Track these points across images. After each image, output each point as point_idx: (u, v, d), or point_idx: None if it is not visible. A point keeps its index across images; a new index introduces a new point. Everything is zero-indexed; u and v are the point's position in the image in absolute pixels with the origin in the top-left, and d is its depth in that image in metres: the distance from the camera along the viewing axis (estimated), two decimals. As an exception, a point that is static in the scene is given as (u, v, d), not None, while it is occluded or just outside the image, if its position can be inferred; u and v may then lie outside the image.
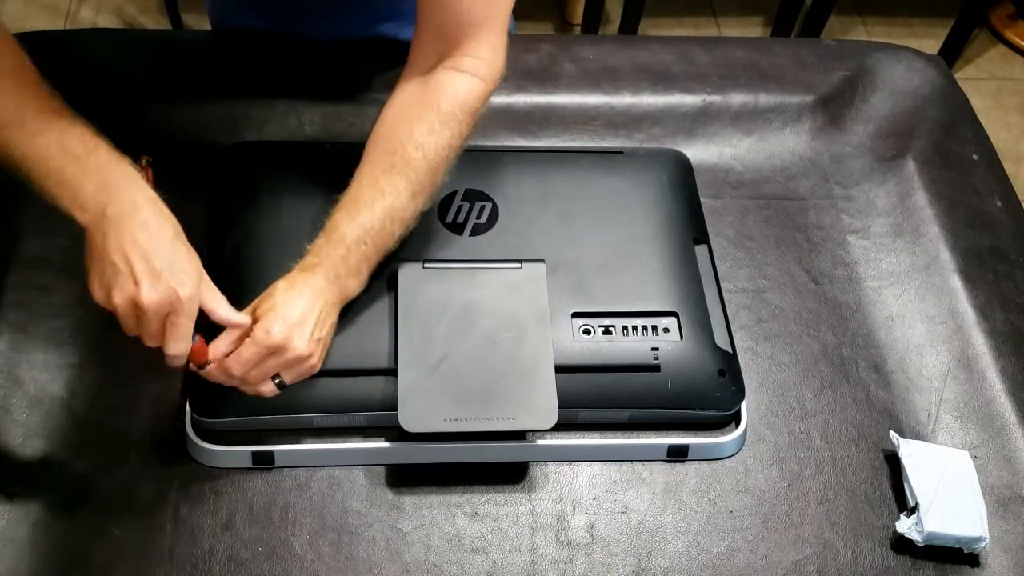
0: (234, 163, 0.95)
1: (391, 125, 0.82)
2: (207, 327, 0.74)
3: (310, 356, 0.75)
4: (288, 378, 0.76)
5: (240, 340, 0.75)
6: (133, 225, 0.70)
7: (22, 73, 0.73)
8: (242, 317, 0.75)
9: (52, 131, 0.71)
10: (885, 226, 1.03)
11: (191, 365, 0.75)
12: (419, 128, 0.81)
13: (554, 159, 0.99)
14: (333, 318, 0.78)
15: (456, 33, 0.82)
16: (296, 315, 0.74)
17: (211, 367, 0.75)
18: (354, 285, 0.80)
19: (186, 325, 0.71)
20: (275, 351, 0.74)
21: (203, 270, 0.73)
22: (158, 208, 0.72)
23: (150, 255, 0.69)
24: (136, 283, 0.68)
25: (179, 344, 0.72)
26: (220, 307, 0.74)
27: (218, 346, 0.75)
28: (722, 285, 0.93)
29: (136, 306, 0.69)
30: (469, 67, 0.82)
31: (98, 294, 0.70)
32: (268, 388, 0.76)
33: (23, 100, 0.72)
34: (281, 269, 0.78)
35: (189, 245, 0.73)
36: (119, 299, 0.69)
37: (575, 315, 0.85)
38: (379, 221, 0.79)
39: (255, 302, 0.77)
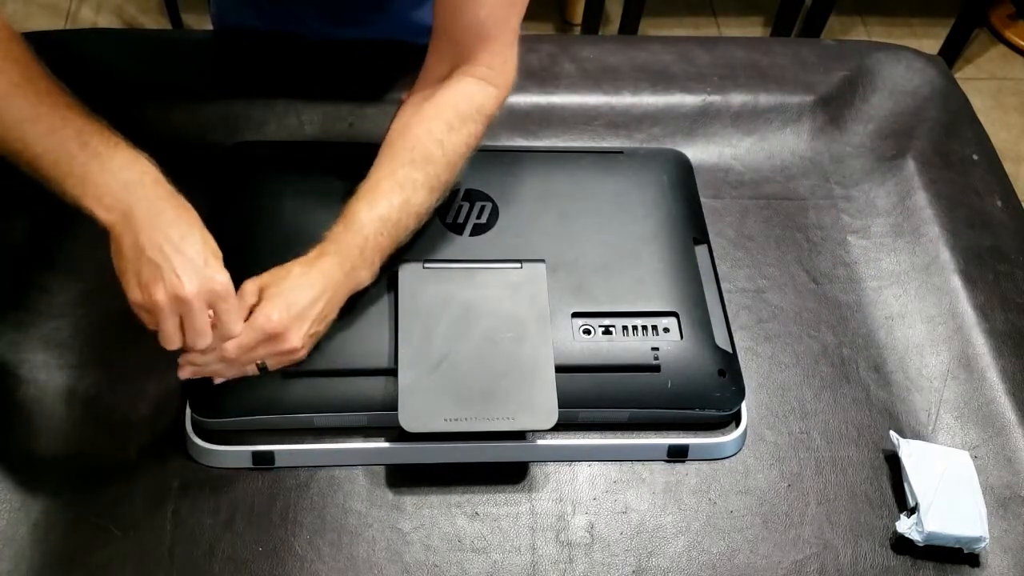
0: (234, 163, 0.95)
1: (410, 122, 0.84)
2: None
3: (301, 349, 0.76)
4: (272, 365, 0.77)
5: (245, 314, 0.75)
6: (162, 222, 0.70)
7: (32, 67, 0.73)
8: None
9: (70, 128, 0.71)
10: (885, 226, 1.03)
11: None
12: (439, 125, 0.83)
13: (554, 159, 0.99)
14: (335, 313, 0.79)
15: (472, 45, 0.84)
16: (299, 306, 0.75)
17: (199, 355, 0.74)
18: (366, 276, 0.80)
19: (233, 309, 0.72)
20: (270, 338, 0.74)
21: None
22: (181, 202, 0.73)
23: (184, 249, 0.70)
24: (178, 277, 0.69)
25: (236, 325, 0.73)
26: None
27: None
28: (722, 285, 0.93)
29: (179, 300, 0.69)
30: (484, 75, 0.85)
31: (136, 294, 0.70)
32: (251, 370, 0.77)
33: (37, 94, 0.72)
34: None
35: (210, 234, 0.73)
36: (161, 295, 0.69)
37: (575, 315, 0.85)
38: (397, 213, 0.80)
39: (266, 277, 0.77)
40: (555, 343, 0.82)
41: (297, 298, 0.75)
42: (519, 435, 0.83)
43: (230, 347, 0.74)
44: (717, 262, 0.95)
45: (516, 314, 0.83)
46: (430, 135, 0.82)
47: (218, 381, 0.78)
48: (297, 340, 0.75)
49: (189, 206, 0.73)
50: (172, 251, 0.69)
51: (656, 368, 0.84)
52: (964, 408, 0.90)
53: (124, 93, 1.01)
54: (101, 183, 0.70)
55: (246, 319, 0.75)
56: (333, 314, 0.79)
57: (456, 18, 0.83)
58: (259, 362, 0.76)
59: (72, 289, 0.90)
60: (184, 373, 0.76)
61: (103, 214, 0.70)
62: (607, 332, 0.85)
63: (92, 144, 0.71)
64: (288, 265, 0.77)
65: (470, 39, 0.84)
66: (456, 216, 0.91)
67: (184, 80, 1.06)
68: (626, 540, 0.80)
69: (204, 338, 0.72)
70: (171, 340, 0.71)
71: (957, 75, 2.33)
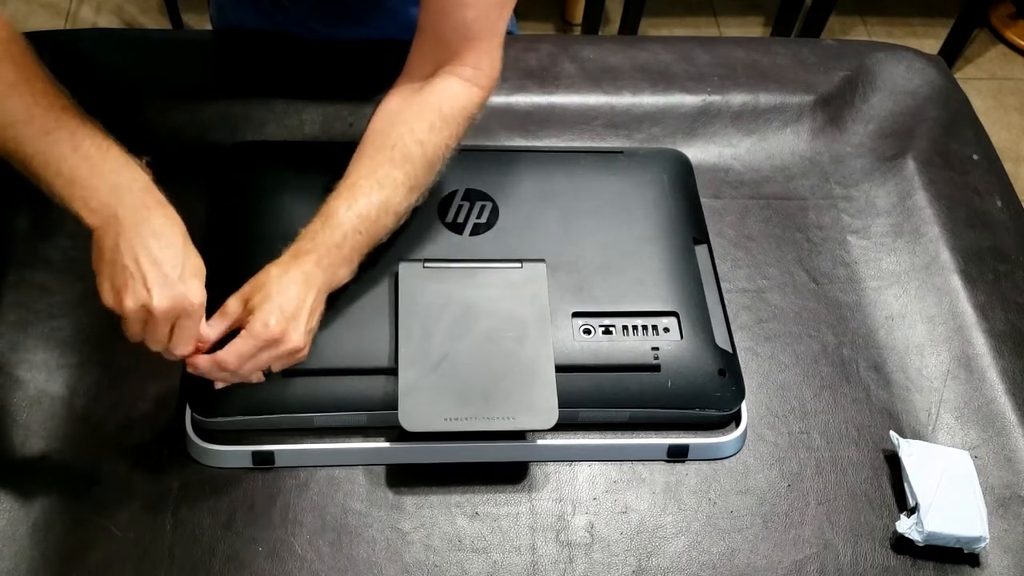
0: (234, 163, 0.95)
1: (390, 120, 0.83)
2: None
3: (303, 347, 0.75)
4: (277, 367, 0.76)
5: (229, 326, 0.75)
6: (144, 230, 0.70)
7: (30, 67, 0.73)
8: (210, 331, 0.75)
9: (63, 130, 0.71)
10: (885, 226, 1.03)
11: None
12: (420, 125, 0.82)
13: (554, 159, 0.99)
14: (322, 307, 0.78)
15: (457, 44, 0.83)
16: (291, 306, 0.74)
17: (200, 359, 0.74)
18: (344, 274, 0.79)
19: (193, 328, 0.72)
20: (271, 344, 0.73)
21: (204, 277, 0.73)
22: (168, 212, 0.72)
23: (161, 261, 0.69)
24: (148, 289, 0.68)
25: (186, 345, 0.72)
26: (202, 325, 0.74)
27: (207, 332, 0.74)
28: (722, 285, 0.93)
29: (146, 311, 0.69)
30: (469, 76, 0.84)
31: (108, 298, 0.70)
32: (256, 377, 0.76)
33: (33, 95, 0.72)
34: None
35: (195, 249, 0.73)
36: (130, 304, 0.69)
37: (575, 315, 0.85)
38: (376, 211, 0.79)
39: (247, 289, 0.76)
40: (555, 343, 0.82)
41: (287, 299, 0.74)
42: (519, 435, 0.83)
43: (229, 358, 0.73)
44: (717, 262, 0.95)
45: (516, 314, 0.83)
46: (412, 135, 0.81)
47: (219, 386, 0.77)
48: (299, 339, 0.74)
49: (176, 217, 0.73)
50: (148, 262, 0.69)
51: (656, 368, 0.84)
52: (964, 408, 0.90)
53: (124, 93, 1.01)
54: (89, 186, 0.70)
55: (236, 332, 0.74)
56: (321, 308, 0.78)
57: (443, 18, 0.83)
58: (264, 369, 0.76)
59: (72, 289, 0.90)
60: (191, 369, 0.75)
61: (88, 216, 0.70)
62: (607, 332, 0.85)
63: (83, 147, 0.71)
64: (265, 269, 0.76)
65: (456, 39, 0.83)
66: (456, 216, 0.91)
67: (184, 80, 1.06)
68: (626, 540, 0.80)
69: (159, 346, 0.72)
70: (133, 335, 0.71)
71: (957, 75, 2.33)
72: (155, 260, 0.69)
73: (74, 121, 0.72)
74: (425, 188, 0.84)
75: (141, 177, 0.73)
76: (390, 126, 0.83)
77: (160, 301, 0.69)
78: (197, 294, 0.71)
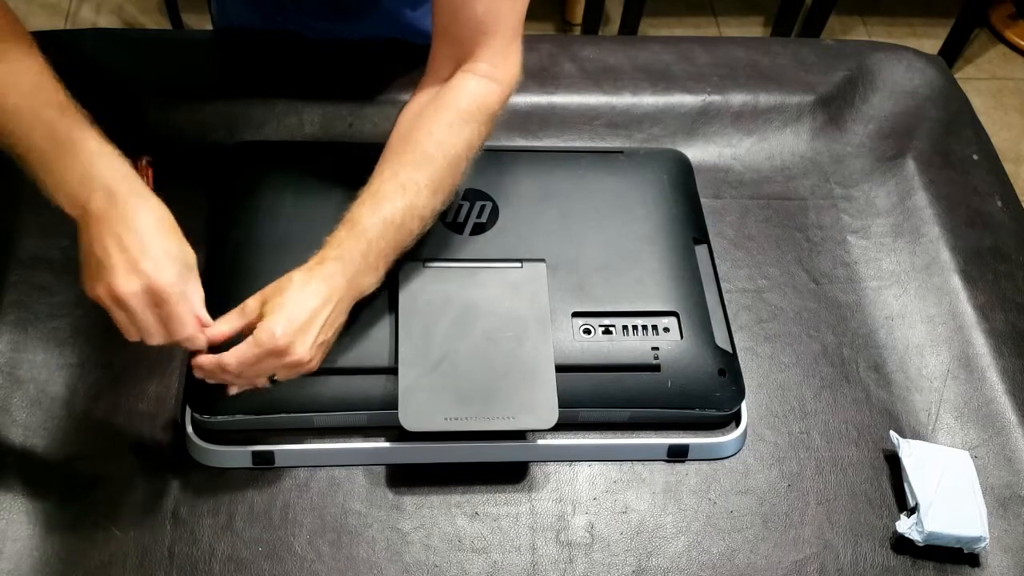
0: (234, 163, 0.95)
1: (411, 124, 0.83)
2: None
3: (310, 360, 0.74)
4: (282, 377, 0.76)
5: (245, 324, 0.74)
6: (113, 218, 0.69)
7: (23, 62, 0.73)
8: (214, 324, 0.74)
9: (44, 125, 0.72)
10: (885, 226, 1.03)
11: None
12: (439, 126, 0.81)
13: (554, 159, 0.99)
14: (342, 319, 0.77)
15: (471, 41, 0.83)
16: (304, 317, 0.73)
17: (205, 359, 0.73)
18: (370, 282, 0.78)
19: (181, 312, 0.70)
20: (275, 353, 0.72)
21: (194, 265, 0.72)
22: (141, 200, 0.71)
23: (127, 246, 0.69)
24: (114, 275, 0.68)
25: (183, 328, 0.71)
26: (200, 310, 0.73)
27: (220, 327, 0.74)
28: (722, 285, 0.93)
29: (117, 299, 0.69)
30: (486, 72, 0.84)
31: (86, 287, 0.71)
32: (261, 382, 0.76)
33: (19, 95, 0.72)
34: (281, 270, 0.76)
35: (179, 236, 0.72)
36: (101, 291, 0.69)
37: (575, 315, 0.85)
38: (400, 217, 0.78)
39: (268, 290, 0.75)
40: (555, 343, 0.82)
41: (300, 309, 0.73)
42: (519, 435, 0.83)
43: (231, 361, 0.72)
44: (717, 262, 0.95)
45: (516, 313, 0.83)
46: (430, 136, 0.81)
47: (232, 391, 0.76)
48: (304, 352, 0.73)
49: (153, 204, 0.72)
50: (116, 249, 0.69)
51: (656, 368, 0.84)
52: (964, 408, 0.90)
53: (124, 93, 1.01)
54: (62, 180, 0.71)
55: (249, 334, 0.73)
56: (340, 320, 0.77)
57: (454, 16, 0.83)
58: (270, 376, 0.75)
59: (72, 289, 0.90)
60: (197, 373, 0.75)
61: (68, 208, 0.71)
62: (607, 332, 0.85)
63: (59, 140, 0.71)
64: (288, 275, 0.75)
65: (469, 36, 0.83)
66: (456, 215, 0.91)
67: (184, 80, 1.06)
68: (626, 540, 0.80)
69: (150, 336, 0.71)
70: (126, 332, 0.71)
71: (957, 75, 2.33)
72: (121, 246, 0.69)
73: (55, 114, 0.72)
74: (450, 190, 0.82)
75: (117, 167, 0.72)
76: (410, 130, 0.82)
77: (124, 285, 0.68)
78: (166, 274, 0.69)
